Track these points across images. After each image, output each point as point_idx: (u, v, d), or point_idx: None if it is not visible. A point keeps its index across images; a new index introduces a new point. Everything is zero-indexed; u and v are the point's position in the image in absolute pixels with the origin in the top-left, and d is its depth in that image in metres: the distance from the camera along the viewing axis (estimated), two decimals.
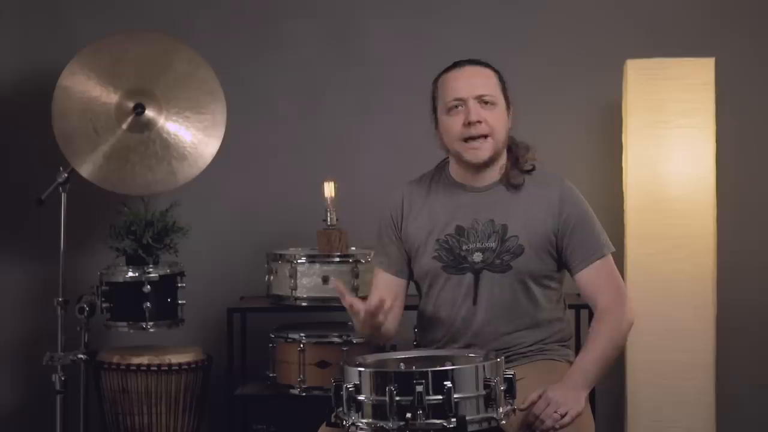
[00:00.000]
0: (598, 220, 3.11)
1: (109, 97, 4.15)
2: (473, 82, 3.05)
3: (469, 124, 3.03)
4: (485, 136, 3.03)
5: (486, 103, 3.04)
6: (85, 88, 4.14)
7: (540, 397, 2.86)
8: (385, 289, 3.15)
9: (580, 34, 4.57)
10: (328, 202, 4.25)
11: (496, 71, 3.11)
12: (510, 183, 3.09)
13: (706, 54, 4.23)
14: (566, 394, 2.86)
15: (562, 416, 2.82)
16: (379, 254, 3.22)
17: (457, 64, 3.11)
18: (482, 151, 3.05)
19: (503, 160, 3.12)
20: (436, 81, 3.13)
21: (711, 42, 4.46)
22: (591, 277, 3.05)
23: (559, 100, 4.55)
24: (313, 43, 4.66)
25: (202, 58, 4.20)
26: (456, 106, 3.05)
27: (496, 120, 3.05)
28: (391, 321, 3.04)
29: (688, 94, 4.18)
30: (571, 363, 3.13)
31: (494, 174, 3.11)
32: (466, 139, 3.04)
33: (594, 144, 4.55)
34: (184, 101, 4.18)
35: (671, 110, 4.19)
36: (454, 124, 3.06)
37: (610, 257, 3.08)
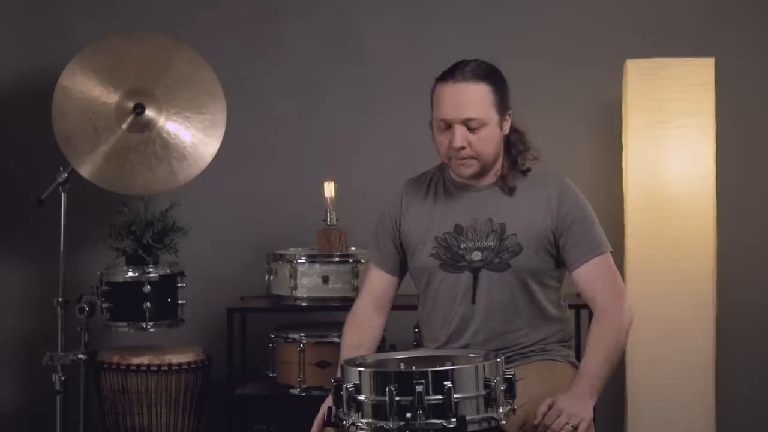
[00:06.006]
0: (597, 219, 3.11)
1: (109, 97, 4.15)
2: (461, 105, 3.01)
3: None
4: (471, 157, 3.04)
5: (474, 127, 3.02)
6: (85, 88, 4.14)
7: (550, 407, 2.82)
8: (378, 284, 3.20)
9: (580, 34, 4.57)
10: (328, 202, 4.25)
11: (492, 83, 3.05)
12: (506, 185, 3.09)
13: (706, 54, 4.23)
14: (576, 404, 2.82)
15: (575, 428, 2.78)
16: (374, 250, 3.23)
17: (451, 75, 3.04)
18: (469, 168, 3.06)
19: (499, 164, 3.12)
20: (434, 86, 3.09)
21: (711, 42, 4.46)
22: (589, 275, 3.04)
23: (559, 100, 4.55)
24: (313, 43, 4.66)
25: (202, 58, 4.20)
26: (445, 126, 3.04)
27: (483, 142, 3.03)
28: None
29: (688, 94, 4.18)
30: (571, 363, 3.13)
31: (491, 177, 3.11)
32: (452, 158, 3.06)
33: (594, 144, 4.55)
34: (184, 101, 4.18)
35: (671, 110, 4.19)
36: (441, 142, 3.07)
37: (609, 256, 3.07)
